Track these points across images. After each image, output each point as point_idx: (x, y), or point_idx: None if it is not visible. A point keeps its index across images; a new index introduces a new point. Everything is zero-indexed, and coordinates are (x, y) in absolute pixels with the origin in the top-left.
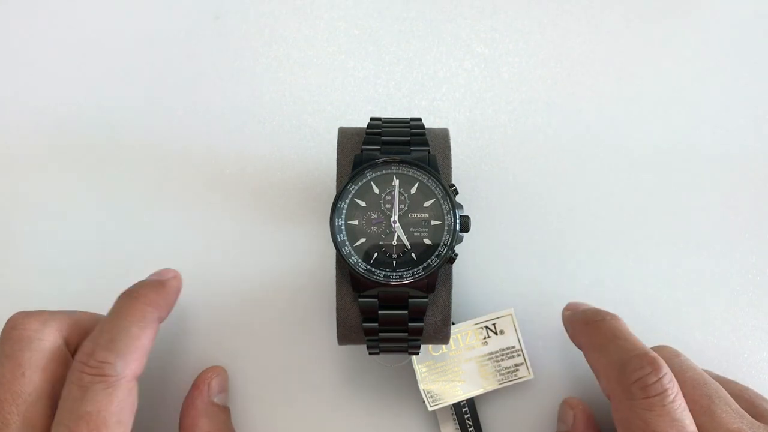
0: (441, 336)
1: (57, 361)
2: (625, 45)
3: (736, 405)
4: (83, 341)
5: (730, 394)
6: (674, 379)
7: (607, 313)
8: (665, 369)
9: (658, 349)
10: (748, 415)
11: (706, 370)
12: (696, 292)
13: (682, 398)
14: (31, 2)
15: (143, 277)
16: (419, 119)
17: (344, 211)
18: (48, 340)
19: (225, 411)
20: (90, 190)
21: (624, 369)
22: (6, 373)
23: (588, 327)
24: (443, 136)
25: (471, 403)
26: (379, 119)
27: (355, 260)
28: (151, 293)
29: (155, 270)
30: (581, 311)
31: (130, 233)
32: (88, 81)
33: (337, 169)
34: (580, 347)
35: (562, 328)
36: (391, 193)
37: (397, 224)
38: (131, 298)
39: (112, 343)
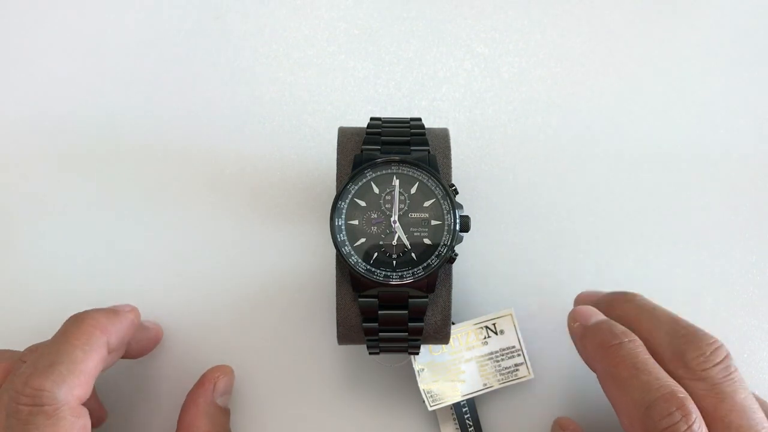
0: (441, 336)
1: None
2: (625, 45)
3: None
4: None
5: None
6: (702, 422)
7: (623, 332)
8: (695, 413)
9: (717, 352)
10: None
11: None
12: (696, 292)
13: None
14: (31, 2)
15: (143, 277)
16: (419, 119)
17: (344, 211)
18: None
19: (225, 413)
20: (90, 189)
21: (650, 413)
22: None
23: (604, 353)
24: (443, 136)
25: (471, 403)
26: (379, 119)
27: (355, 260)
28: (101, 317)
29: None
30: (593, 328)
31: (130, 233)
32: (88, 81)
33: (337, 169)
34: (593, 370)
35: (563, 328)
36: (391, 193)
37: (397, 224)
38: (77, 320)
39: (50, 368)
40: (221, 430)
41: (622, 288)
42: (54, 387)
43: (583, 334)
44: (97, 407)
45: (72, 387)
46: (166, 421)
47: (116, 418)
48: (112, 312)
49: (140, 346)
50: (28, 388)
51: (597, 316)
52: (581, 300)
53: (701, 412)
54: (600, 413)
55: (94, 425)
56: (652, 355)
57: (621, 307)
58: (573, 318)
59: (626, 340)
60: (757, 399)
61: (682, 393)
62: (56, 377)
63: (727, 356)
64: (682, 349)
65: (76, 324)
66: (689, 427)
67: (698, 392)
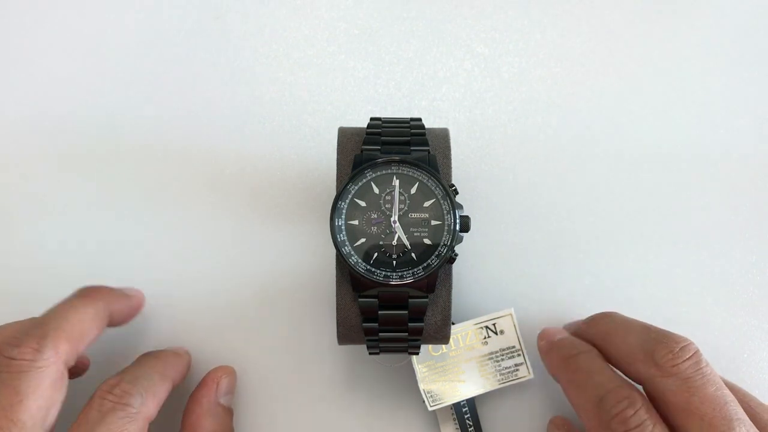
0: (441, 336)
1: (53, 387)
2: (625, 45)
3: (754, 429)
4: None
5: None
6: (652, 408)
7: (582, 345)
8: (640, 401)
9: (685, 349)
10: None
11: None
12: (696, 292)
13: (663, 426)
14: (31, 2)
15: (143, 277)
16: (419, 119)
17: (344, 211)
18: (47, 366)
19: (229, 413)
20: (90, 189)
21: (602, 404)
22: (2, 400)
23: (564, 363)
24: (443, 136)
25: (471, 403)
26: (379, 119)
27: (355, 260)
28: (104, 292)
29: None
30: (557, 344)
31: (129, 233)
32: (88, 81)
33: (337, 169)
34: (557, 381)
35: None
36: (391, 193)
37: (397, 224)
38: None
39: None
40: (225, 429)
41: (622, 289)
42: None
43: (548, 350)
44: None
45: (58, 343)
46: (168, 422)
47: None
48: (123, 296)
49: (122, 315)
50: (32, 340)
51: (561, 333)
52: (557, 330)
53: (674, 408)
54: None
55: (79, 374)
56: (626, 360)
57: (597, 324)
58: (540, 337)
59: (584, 350)
60: (737, 391)
61: (628, 387)
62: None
63: (696, 353)
64: (653, 349)
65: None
66: (636, 411)
67: (670, 389)
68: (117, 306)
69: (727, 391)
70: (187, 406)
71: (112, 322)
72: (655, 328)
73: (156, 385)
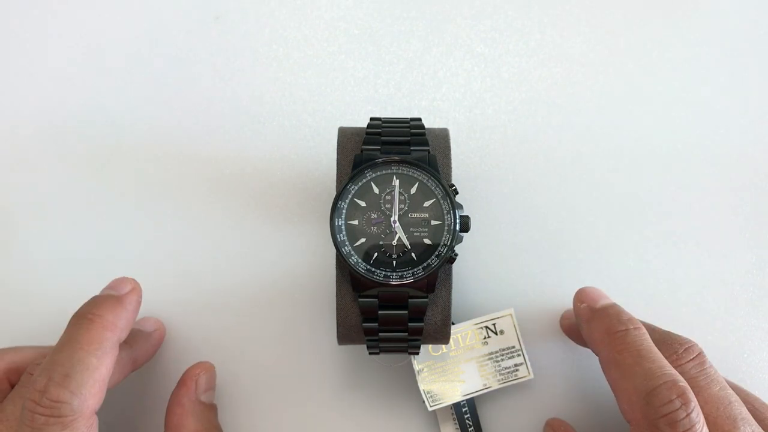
0: (441, 336)
1: None
2: (625, 45)
3: (759, 429)
4: (35, 370)
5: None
6: (700, 411)
7: (631, 320)
8: (694, 402)
9: (689, 350)
10: None
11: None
12: (696, 292)
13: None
14: (32, 2)
15: (143, 277)
16: (419, 119)
17: (344, 211)
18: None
19: (212, 409)
20: (90, 189)
21: (651, 400)
22: None
23: (610, 338)
24: (443, 136)
25: (471, 403)
26: (379, 119)
27: (355, 260)
28: (108, 314)
29: (121, 276)
30: (600, 312)
31: (129, 233)
32: (89, 81)
33: (337, 169)
34: (595, 353)
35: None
36: (391, 193)
37: (397, 224)
38: (86, 320)
39: (67, 379)
40: (209, 427)
41: (622, 289)
42: (71, 398)
43: (590, 317)
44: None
45: (87, 398)
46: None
47: (119, 418)
48: (117, 303)
49: (146, 353)
50: (45, 399)
51: (605, 299)
52: (599, 293)
53: None
54: (599, 414)
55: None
56: None
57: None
58: (580, 299)
59: (632, 327)
60: (740, 391)
61: (682, 382)
62: (74, 388)
63: (700, 354)
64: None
65: (85, 327)
66: (688, 414)
67: None
68: (124, 330)
69: (730, 391)
70: (168, 408)
71: (137, 364)
72: (659, 329)
73: (93, 371)
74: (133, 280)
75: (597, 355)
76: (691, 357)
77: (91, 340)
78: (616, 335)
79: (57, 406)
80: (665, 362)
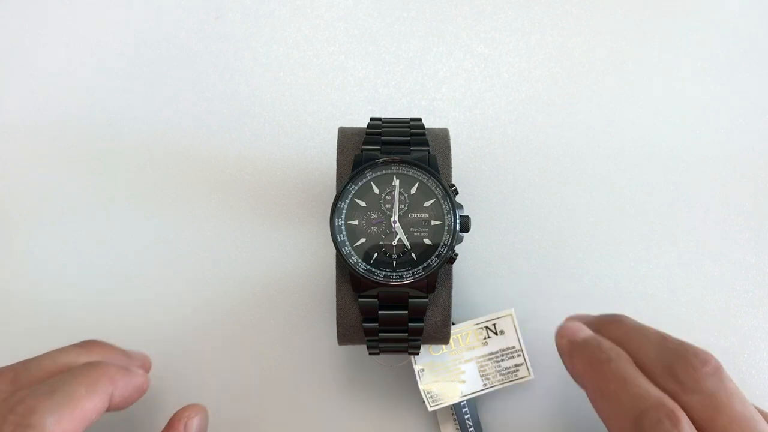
0: (441, 336)
1: None
2: (624, 45)
3: None
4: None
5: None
6: (693, 428)
7: (612, 349)
8: (684, 420)
9: (707, 364)
10: None
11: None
12: (696, 292)
13: None
14: (32, 2)
15: (142, 277)
16: (419, 119)
17: (344, 211)
18: None
19: None
20: (89, 189)
21: (640, 422)
22: None
23: (592, 369)
24: (443, 136)
25: (471, 403)
26: (379, 119)
27: (355, 260)
28: (112, 369)
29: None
30: (580, 345)
31: (129, 233)
32: (88, 81)
33: (337, 169)
34: (582, 387)
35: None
36: (391, 193)
37: (397, 224)
38: (89, 364)
39: (49, 394)
40: None
41: (622, 289)
42: (45, 413)
43: (571, 351)
44: None
45: (62, 418)
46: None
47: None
48: (124, 369)
49: (126, 398)
50: (21, 406)
51: (584, 331)
52: (570, 321)
53: (699, 426)
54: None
55: None
56: (643, 373)
57: (609, 328)
58: (560, 334)
59: (614, 355)
60: (758, 410)
61: (670, 403)
62: (51, 404)
63: (720, 367)
64: (673, 363)
65: (87, 367)
66: None
67: (693, 405)
68: (120, 389)
69: (752, 407)
70: None
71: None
72: (673, 338)
73: (79, 399)
74: (146, 356)
75: (584, 389)
76: (710, 371)
77: (87, 375)
78: (599, 365)
79: (29, 415)
80: (651, 385)
